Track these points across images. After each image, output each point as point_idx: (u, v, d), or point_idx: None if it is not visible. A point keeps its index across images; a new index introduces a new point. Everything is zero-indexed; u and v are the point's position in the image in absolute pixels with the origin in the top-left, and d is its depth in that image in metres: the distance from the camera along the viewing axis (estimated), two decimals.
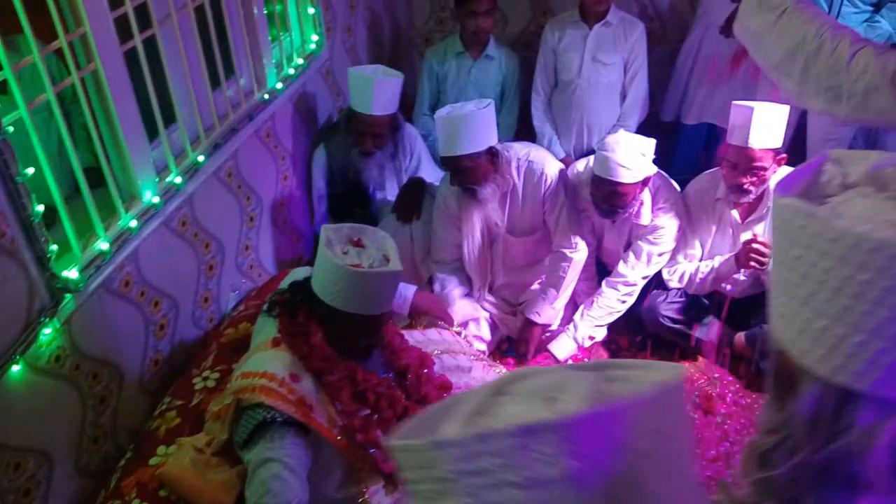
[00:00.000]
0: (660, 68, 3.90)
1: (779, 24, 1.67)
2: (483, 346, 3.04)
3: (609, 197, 2.82)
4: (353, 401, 1.92)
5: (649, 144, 2.79)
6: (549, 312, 3.09)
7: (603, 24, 3.51)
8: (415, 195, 3.23)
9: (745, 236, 2.85)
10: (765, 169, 2.68)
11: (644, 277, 3.06)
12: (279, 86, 2.90)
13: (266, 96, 2.81)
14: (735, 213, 2.89)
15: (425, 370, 2.33)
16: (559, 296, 3.08)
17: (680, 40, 3.88)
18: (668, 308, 3.01)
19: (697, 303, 3.02)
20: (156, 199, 2.17)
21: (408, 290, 2.60)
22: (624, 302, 3.08)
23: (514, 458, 0.56)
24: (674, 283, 3.04)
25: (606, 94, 3.60)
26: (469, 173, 2.83)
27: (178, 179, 2.27)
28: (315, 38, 3.22)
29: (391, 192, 3.37)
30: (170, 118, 2.32)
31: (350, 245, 1.92)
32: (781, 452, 0.81)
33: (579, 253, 3.03)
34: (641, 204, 2.92)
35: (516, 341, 3.15)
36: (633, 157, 2.74)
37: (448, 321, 2.69)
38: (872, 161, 0.81)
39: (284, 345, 1.91)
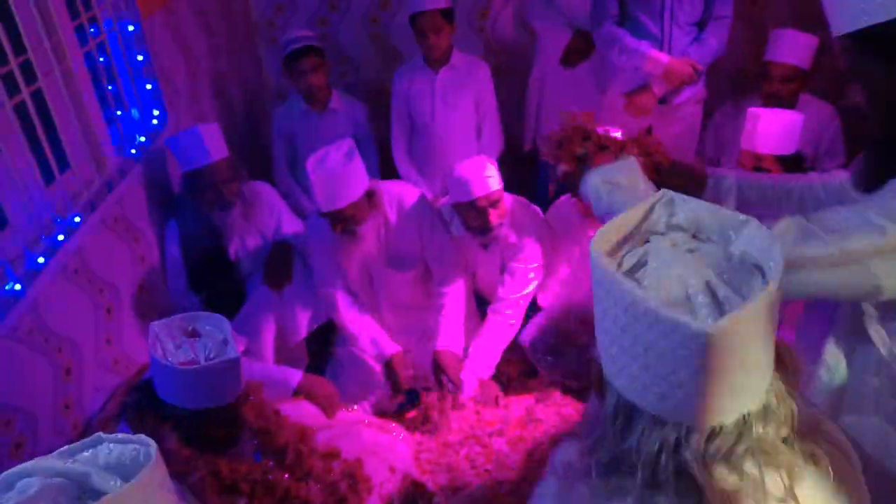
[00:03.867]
0: (513, 100, 4.01)
1: None
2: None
3: (483, 214, 2.88)
4: (221, 496, 1.86)
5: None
6: (449, 337, 3.10)
7: (448, 68, 3.58)
8: (283, 259, 3.18)
9: None
10: None
11: (524, 296, 3.10)
12: (122, 169, 2.80)
13: (109, 181, 2.71)
14: None
15: (306, 444, 2.28)
16: (446, 321, 3.10)
17: (528, 71, 4.00)
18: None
19: None
20: None
21: (291, 379, 2.55)
22: (512, 325, 3.10)
23: None
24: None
25: (462, 134, 3.67)
26: (352, 220, 2.88)
27: (18, 286, 2.15)
28: (157, 112, 3.14)
29: (254, 254, 3.30)
30: (2, 223, 2.21)
31: (184, 336, 1.86)
32: (592, 440, 1.05)
33: (457, 285, 3.10)
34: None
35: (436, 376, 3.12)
36: (485, 166, 2.86)
37: (330, 412, 2.64)
38: (694, 206, 1.02)
39: None
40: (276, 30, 4.34)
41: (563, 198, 3.13)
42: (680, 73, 3.21)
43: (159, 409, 1.85)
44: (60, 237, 2.39)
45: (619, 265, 0.99)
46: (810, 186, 1.66)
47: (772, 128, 2.74)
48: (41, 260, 2.27)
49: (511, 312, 3.09)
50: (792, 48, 3.27)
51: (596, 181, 1.64)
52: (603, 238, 1.02)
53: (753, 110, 2.83)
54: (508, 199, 3.03)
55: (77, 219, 2.49)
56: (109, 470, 0.78)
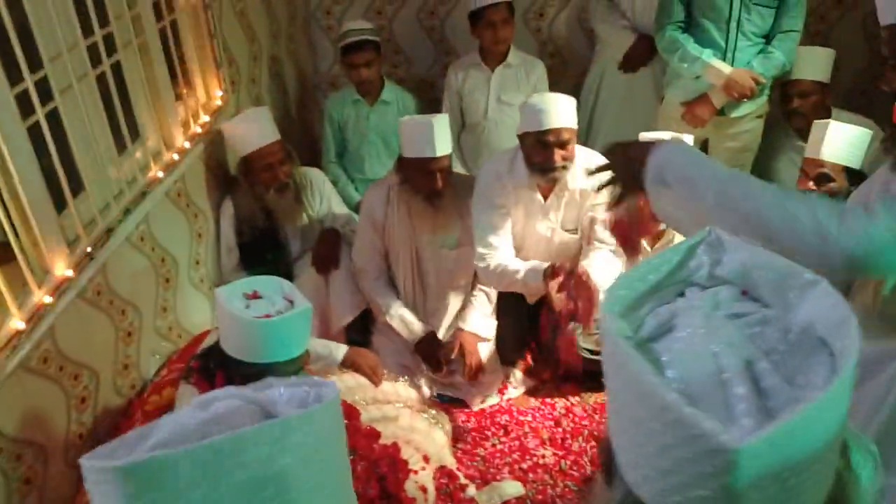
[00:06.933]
0: None
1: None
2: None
3: (549, 149, 2.75)
4: None
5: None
6: (476, 321, 3.10)
7: (504, 66, 3.62)
8: (332, 245, 3.25)
9: None
10: None
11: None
12: (187, 144, 2.88)
13: (175, 156, 2.79)
14: (643, 242, 2.98)
15: (352, 422, 2.34)
16: (475, 303, 3.12)
17: (581, 75, 4.03)
18: (585, 340, 3.04)
19: None
20: (69, 272, 2.13)
21: (337, 352, 2.60)
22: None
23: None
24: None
25: (514, 133, 3.69)
26: (442, 175, 2.91)
27: (90, 249, 2.23)
28: (220, 93, 3.22)
29: (303, 238, 3.38)
30: (78, 187, 2.29)
31: (247, 299, 1.91)
32: None
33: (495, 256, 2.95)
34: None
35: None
36: (566, 102, 2.77)
37: (375, 382, 2.69)
38: (747, 255, 0.79)
39: None
40: (332, 18, 4.40)
41: None
42: (741, 85, 3.14)
43: (230, 368, 1.91)
44: (128, 206, 2.47)
45: (638, 328, 0.77)
46: None
47: (839, 137, 2.72)
48: (112, 226, 2.35)
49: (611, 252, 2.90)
50: (805, 64, 3.30)
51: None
52: (620, 289, 0.79)
53: (821, 121, 2.81)
54: (586, 154, 2.91)
55: (144, 189, 2.57)
56: (290, 403, 0.83)
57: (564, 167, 2.80)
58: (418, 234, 3.12)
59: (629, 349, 0.70)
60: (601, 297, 2.62)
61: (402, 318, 3.14)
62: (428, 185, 2.94)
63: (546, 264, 2.79)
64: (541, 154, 2.78)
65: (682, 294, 0.81)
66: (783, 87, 3.39)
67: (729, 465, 0.62)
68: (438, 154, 2.88)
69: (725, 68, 3.16)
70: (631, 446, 0.74)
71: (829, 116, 3.31)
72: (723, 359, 0.69)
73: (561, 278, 2.66)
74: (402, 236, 3.13)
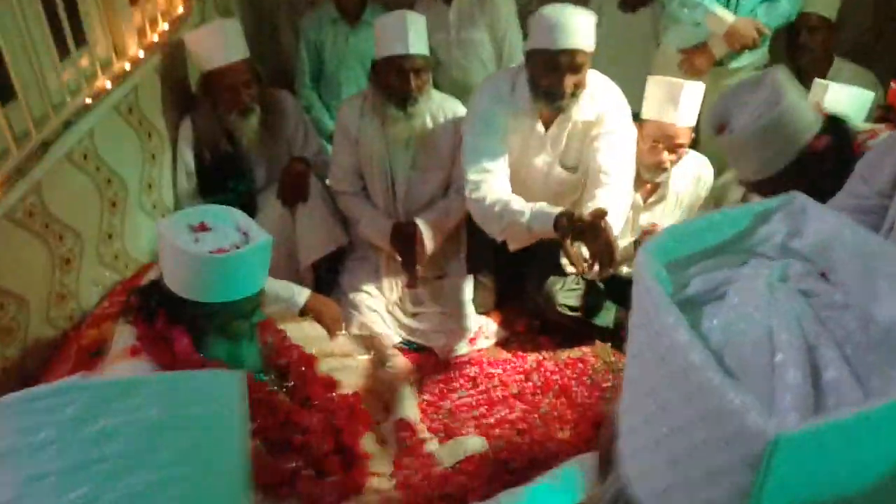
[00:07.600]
0: None
1: None
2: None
3: (564, 74, 2.43)
4: None
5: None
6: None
7: (457, 2, 3.40)
8: (300, 176, 3.01)
9: (647, 218, 2.78)
10: (684, 146, 2.61)
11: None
12: (142, 54, 2.61)
13: (127, 66, 2.52)
14: (637, 195, 2.79)
15: (309, 370, 2.16)
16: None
17: None
18: (565, 296, 2.86)
19: (595, 289, 2.91)
20: None
21: (299, 296, 2.39)
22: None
23: None
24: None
25: (480, 72, 3.49)
26: (418, 76, 2.76)
27: (21, 164, 1.99)
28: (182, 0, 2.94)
29: (269, 165, 3.13)
30: (10, 95, 2.03)
31: (195, 232, 1.70)
32: None
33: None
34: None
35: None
36: (583, 18, 2.44)
37: (333, 331, 2.48)
38: (831, 227, 0.63)
39: (144, 354, 1.70)
40: None
41: None
42: (744, 35, 2.98)
43: (174, 308, 1.71)
44: (70, 118, 2.22)
45: (683, 287, 0.64)
46: None
47: (839, 100, 2.53)
48: (48, 140, 2.11)
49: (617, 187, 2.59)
50: None
51: None
52: (668, 240, 0.65)
53: (821, 81, 2.64)
54: (598, 79, 2.64)
55: (88, 101, 2.32)
56: None
57: (574, 94, 2.51)
58: (392, 148, 2.95)
59: (662, 297, 0.57)
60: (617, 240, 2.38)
61: (373, 220, 3.00)
62: (401, 86, 2.75)
63: (557, 209, 2.48)
64: (549, 77, 2.46)
65: (745, 264, 0.66)
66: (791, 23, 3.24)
67: (756, 460, 0.48)
68: (412, 51, 2.70)
69: (728, 17, 3.00)
70: (640, 426, 0.61)
71: (830, 65, 3.25)
72: (781, 335, 0.55)
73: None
74: (375, 149, 2.94)
